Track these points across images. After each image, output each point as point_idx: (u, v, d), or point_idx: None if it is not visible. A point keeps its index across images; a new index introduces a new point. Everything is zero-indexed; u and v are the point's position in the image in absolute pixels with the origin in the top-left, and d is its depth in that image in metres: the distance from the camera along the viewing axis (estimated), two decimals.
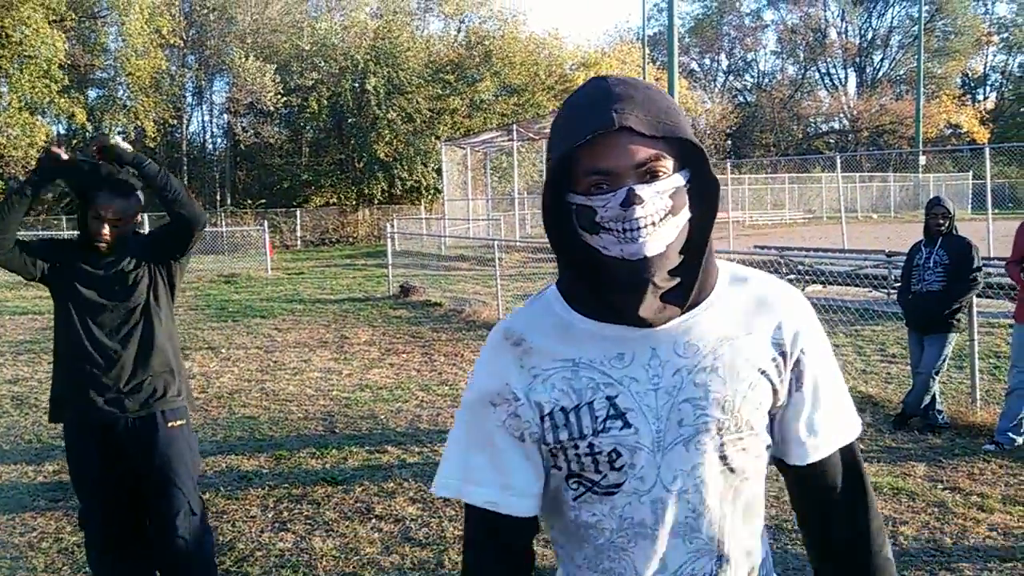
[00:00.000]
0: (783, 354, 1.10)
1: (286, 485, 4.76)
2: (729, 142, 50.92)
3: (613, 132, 0.97)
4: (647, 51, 31.95)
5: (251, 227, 25.92)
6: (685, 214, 1.03)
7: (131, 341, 2.90)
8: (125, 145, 2.86)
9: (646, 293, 1.00)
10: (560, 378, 1.07)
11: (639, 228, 0.98)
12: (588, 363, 1.06)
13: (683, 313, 1.05)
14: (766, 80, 59.62)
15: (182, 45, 32.02)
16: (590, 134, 0.97)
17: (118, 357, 2.87)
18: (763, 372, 1.08)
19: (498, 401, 1.10)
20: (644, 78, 25.09)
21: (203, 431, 5.85)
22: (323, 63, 31.37)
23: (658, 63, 43.51)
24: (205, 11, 32.93)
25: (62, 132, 32.02)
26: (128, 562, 2.99)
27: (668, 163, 1.00)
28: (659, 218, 0.99)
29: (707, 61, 61.33)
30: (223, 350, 9.08)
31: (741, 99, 57.47)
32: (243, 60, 29.98)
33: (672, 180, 1.01)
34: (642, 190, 0.98)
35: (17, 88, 26.21)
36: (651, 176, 0.99)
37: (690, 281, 1.04)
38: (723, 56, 61.02)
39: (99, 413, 2.86)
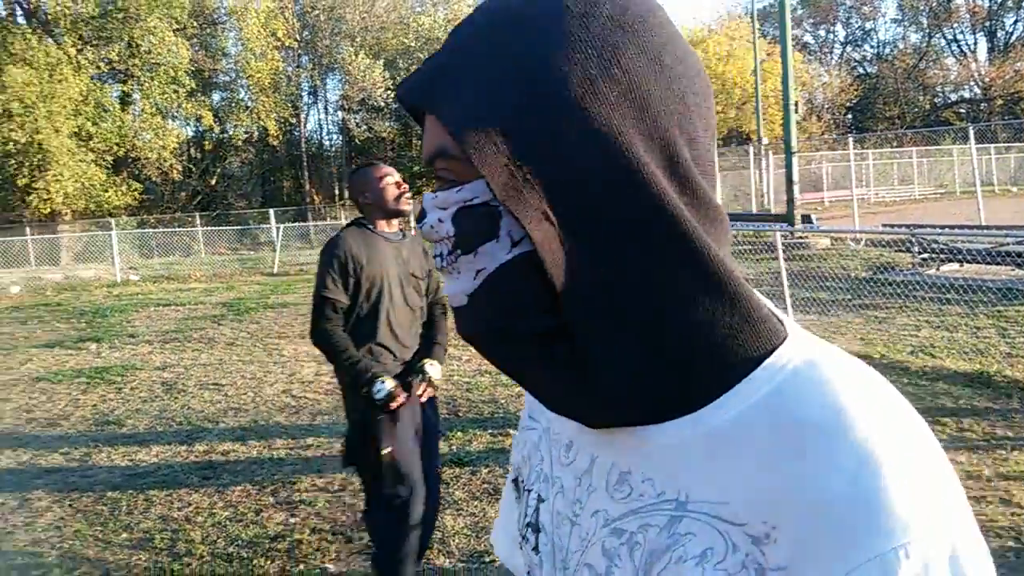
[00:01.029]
0: None
1: None
2: (849, 116, 48.59)
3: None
4: (757, 25, 30.87)
5: None
6: (512, 251, 0.58)
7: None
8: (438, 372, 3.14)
9: (537, 368, 0.60)
10: (529, 442, 0.78)
11: (438, 265, 0.63)
12: (549, 437, 0.73)
13: (640, 421, 0.59)
14: (887, 49, 56.45)
15: (297, 46, 33.37)
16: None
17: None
18: None
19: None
20: (755, 54, 24.05)
21: (335, 414, 6.12)
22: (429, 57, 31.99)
23: (769, 37, 41.92)
24: (316, 12, 34.16)
25: (191, 135, 33.96)
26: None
27: (462, 164, 0.58)
28: (446, 251, 0.61)
29: (822, 32, 58.60)
30: None
31: (861, 71, 54.68)
32: (353, 58, 30.94)
33: (459, 192, 0.59)
34: (428, 202, 0.62)
35: (148, 94, 28.02)
36: (438, 181, 0.62)
37: (620, 367, 0.57)
38: (839, 26, 58.17)
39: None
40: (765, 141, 25.48)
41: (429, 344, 3.18)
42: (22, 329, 11.61)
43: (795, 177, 15.65)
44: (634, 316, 0.56)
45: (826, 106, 44.20)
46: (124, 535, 4.12)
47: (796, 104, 16.20)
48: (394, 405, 2.92)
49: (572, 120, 0.54)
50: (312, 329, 2.98)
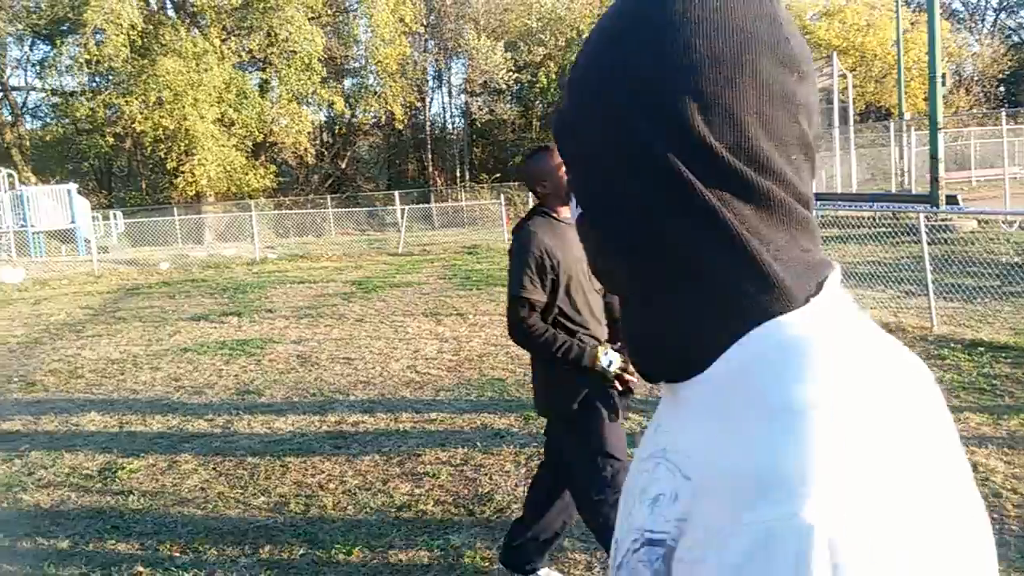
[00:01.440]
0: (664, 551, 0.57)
1: (535, 444, 4.97)
2: (1002, 89, 44.89)
3: None
4: None
5: (488, 201, 27.13)
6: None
7: None
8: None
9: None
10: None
11: None
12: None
13: (673, 378, 0.64)
14: None
15: (423, 31, 34.02)
16: None
17: None
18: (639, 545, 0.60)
19: None
20: (898, 23, 22.54)
21: (457, 391, 6.27)
22: (550, 37, 31.88)
23: (913, 5, 39.23)
24: None
25: (324, 120, 35.37)
26: None
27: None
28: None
29: None
30: (471, 316, 9.63)
31: (1016, 39, 50.34)
32: (476, 41, 31.27)
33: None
34: None
35: (285, 81, 29.35)
36: None
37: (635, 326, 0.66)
38: None
39: None
40: (907, 116, 23.94)
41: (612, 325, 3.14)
42: (171, 303, 12.51)
43: (940, 155, 14.65)
44: (642, 284, 0.64)
45: (976, 78, 40.99)
46: (262, 499, 4.38)
47: (943, 76, 15.12)
48: (628, 377, 2.85)
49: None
50: (511, 329, 2.92)
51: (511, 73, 31.37)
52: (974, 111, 35.44)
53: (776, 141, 0.59)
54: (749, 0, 0.59)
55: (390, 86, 31.15)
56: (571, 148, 0.67)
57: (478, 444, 5.03)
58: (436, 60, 36.20)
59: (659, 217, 0.60)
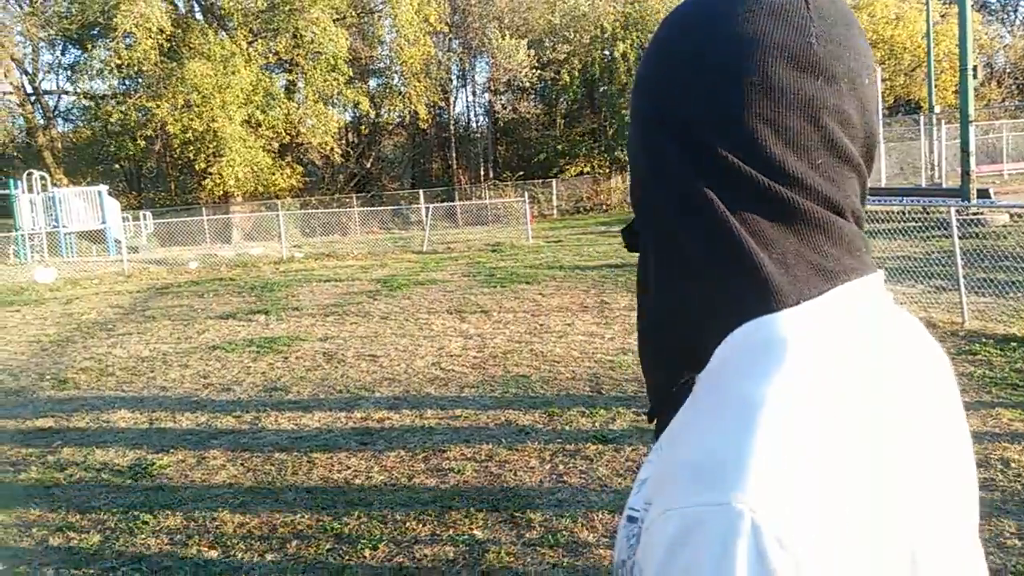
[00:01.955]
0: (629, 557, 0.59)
1: (559, 440, 4.98)
2: None
3: None
4: None
5: (512, 199, 27.14)
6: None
7: None
8: None
9: None
10: None
11: None
12: None
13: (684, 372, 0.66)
14: None
15: (447, 31, 34.09)
16: None
17: None
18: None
19: None
20: (928, 15, 22.19)
21: (481, 387, 6.29)
22: (573, 35, 31.80)
23: None
24: None
25: (349, 120, 35.58)
26: None
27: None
28: None
29: None
30: (494, 313, 9.65)
31: None
32: (500, 39, 31.27)
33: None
34: None
35: (311, 82, 29.55)
36: None
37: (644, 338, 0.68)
38: None
39: None
40: (937, 109, 23.56)
41: None
42: (199, 301, 12.67)
43: (971, 148, 14.40)
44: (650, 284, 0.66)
45: (1008, 70, 40.20)
46: (290, 494, 4.43)
47: (974, 68, 14.86)
48: None
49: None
50: None
51: (535, 71, 31.33)
52: (1006, 103, 34.79)
53: (793, 147, 0.59)
54: (763, 6, 0.59)
55: (414, 86, 31.25)
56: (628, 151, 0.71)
57: (503, 440, 5.04)
58: (460, 59, 36.25)
59: (669, 213, 0.62)
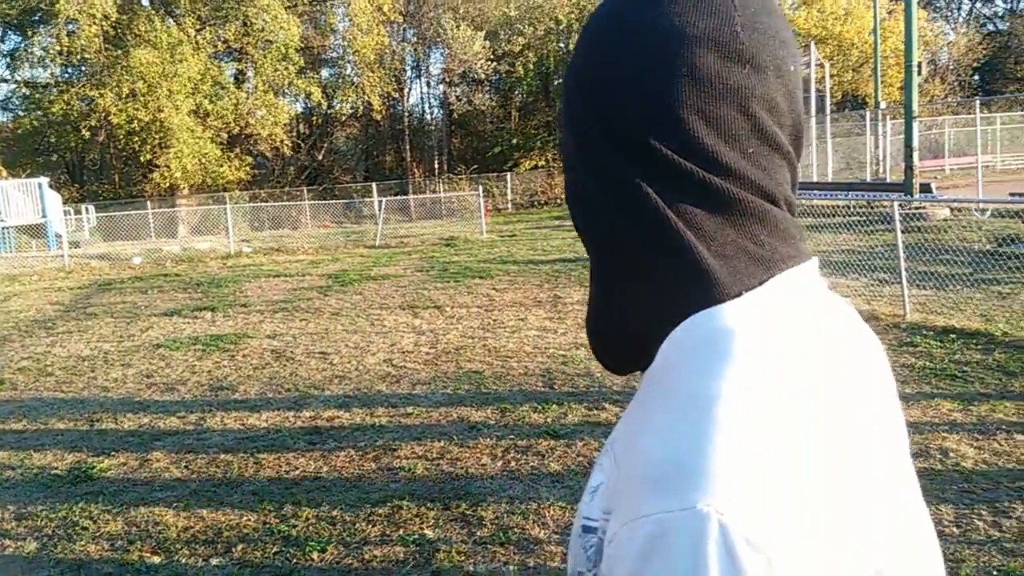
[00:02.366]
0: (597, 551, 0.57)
1: (511, 436, 4.97)
2: (976, 77, 45.35)
3: None
4: None
5: (466, 192, 27.06)
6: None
7: None
8: None
9: None
10: None
11: None
12: None
13: (630, 369, 0.66)
14: (1022, 4, 52.18)
15: (401, 20, 33.76)
16: None
17: None
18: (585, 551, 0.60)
19: None
20: (875, 12, 22.69)
21: (434, 384, 6.24)
22: (529, 27, 31.79)
23: None
24: None
25: (300, 111, 35.06)
26: None
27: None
28: None
29: None
30: (447, 309, 9.60)
31: (991, 27, 50.83)
32: (455, 29, 31.09)
33: None
34: None
35: (262, 71, 29.05)
36: None
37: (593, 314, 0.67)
38: None
39: None
40: (883, 105, 24.12)
41: None
42: (143, 298, 12.35)
43: (915, 143, 14.78)
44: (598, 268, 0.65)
45: (951, 67, 41.35)
46: (236, 497, 4.33)
47: (919, 65, 15.24)
48: None
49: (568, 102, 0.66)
50: None
51: (490, 63, 31.24)
52: (949, 100, 35.77)
53: (725, 137, 0.58)
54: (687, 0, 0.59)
55: (368, 76, 30.92)
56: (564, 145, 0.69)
57: (454, 437, 5.00)
58: (415, 49, 35.97)
59: (607, 212, 0.61)
